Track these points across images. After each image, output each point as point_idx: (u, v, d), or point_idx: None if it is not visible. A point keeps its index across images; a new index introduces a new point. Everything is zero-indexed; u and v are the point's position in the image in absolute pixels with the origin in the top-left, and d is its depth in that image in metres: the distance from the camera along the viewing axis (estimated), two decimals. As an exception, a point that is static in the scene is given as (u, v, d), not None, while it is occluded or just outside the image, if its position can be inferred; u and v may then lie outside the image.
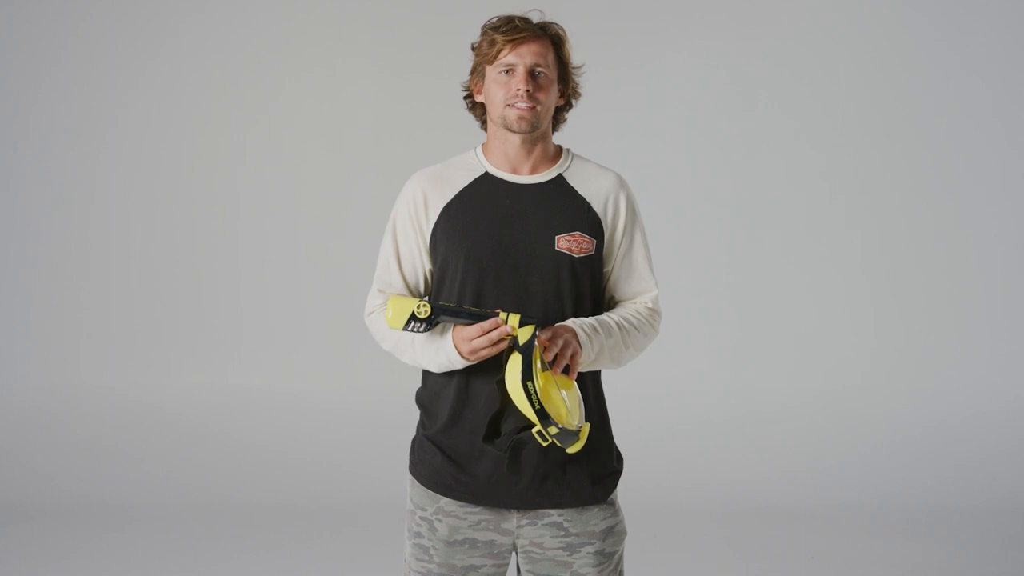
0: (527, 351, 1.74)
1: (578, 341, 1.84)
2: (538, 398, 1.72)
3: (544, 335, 1.80)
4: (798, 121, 5.13)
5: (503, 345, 1.78)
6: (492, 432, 1.82)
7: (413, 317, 1.80)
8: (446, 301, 1.87)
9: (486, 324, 1.78)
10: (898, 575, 3.76)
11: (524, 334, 1.76)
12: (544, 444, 1.76)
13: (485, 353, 1.80)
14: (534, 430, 1.75)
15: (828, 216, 5.16)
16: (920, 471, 4.66)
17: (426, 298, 1.87)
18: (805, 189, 5.15)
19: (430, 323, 1.81)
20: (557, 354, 1.80)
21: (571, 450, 1.78)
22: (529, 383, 1.73)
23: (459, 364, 1.86)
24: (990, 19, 5.08)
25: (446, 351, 1.86)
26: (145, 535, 4.05)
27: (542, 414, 1.72)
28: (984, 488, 4.54)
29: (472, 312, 1.81)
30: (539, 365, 1.76)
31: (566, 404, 1.77)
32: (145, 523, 4.17)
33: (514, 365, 1.75)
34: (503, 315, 1.78)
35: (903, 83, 5.12)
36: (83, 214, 5.13)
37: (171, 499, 4.40)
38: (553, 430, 1.73)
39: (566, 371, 1.82)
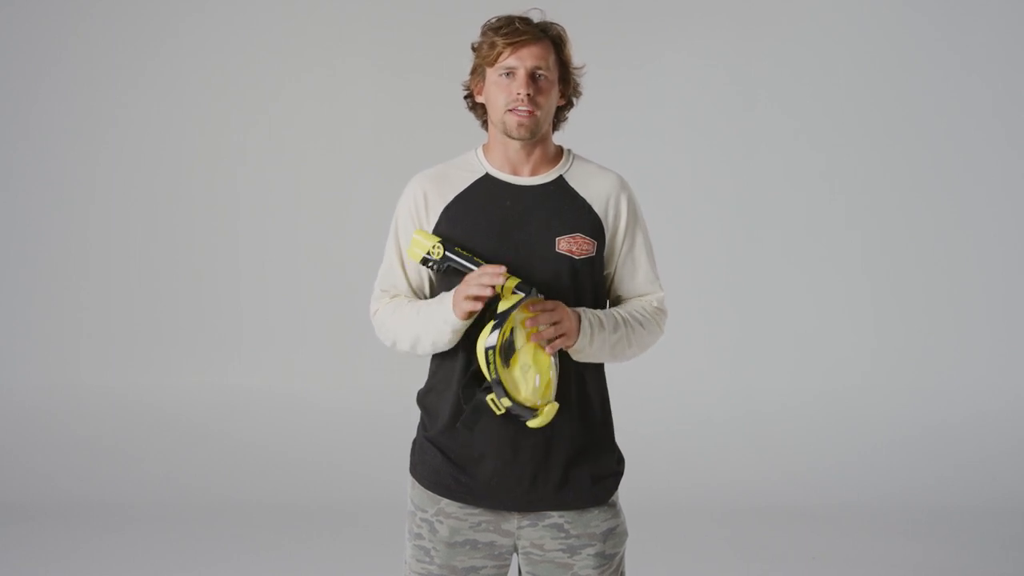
0: (501, 319, 1.75)
1: (578, 327, 1.84)
2: (496, 367, 1.74)
3: (539, 306, 1.80)
4: (798, 121, 5.13)
5: (489, 293, 1.78)
6: (472, 383, 1.85)
7: (428, 255, 1.88)
8: (464, 249, 1.88)
9: (488, 267, 1.78)
10: (898, 575, 3.76)
11: (507, 302, 1.77)
12: (498, 413, 1.78)
13: (475, 292, 1.78)
14: (488, 397, 1.77)
15: (828, 216, 5.16)
16: (920, 471, 4.66)
17: (445, 243, 1.89)
18: (805, 189, 5.15)
19: (441, 264, 1.88)
20: (545, 327, 1.80)
21: (532, 424, 1.80)
22: (490, 351, 1.74)
23: (451, 321, 1.84)
24: (990, 19, 5.08)
25: (445, 305, 1.85)
26: (145, 535, 4.05)
27: (496, 384, 1.74)
28: (984, 488, 4.55)
29: (478, 264, 1.84)
30: (512, 335, 1.78)
31: (524, 382, 1.77)
32: (145, 523, 4.17)
33: (487, 328, 1.77)
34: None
35: (903, 83, 5.12)
36: (83, 214, 5.13)
37: (171, 499, 4.40)
38: (505, 402, 1.76)
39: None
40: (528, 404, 1.77)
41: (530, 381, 1.77)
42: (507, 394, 1.75)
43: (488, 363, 1.75)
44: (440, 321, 1.86)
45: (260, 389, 5.03)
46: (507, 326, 1.76)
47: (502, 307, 1.77)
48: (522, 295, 1.77)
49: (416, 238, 1.90)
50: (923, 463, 4.71)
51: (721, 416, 4.95)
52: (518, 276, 1.82)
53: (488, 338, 1.75)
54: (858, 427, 4.89)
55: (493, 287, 1.78)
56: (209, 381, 5.04)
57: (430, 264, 1.88)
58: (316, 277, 5.11)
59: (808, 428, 4.89)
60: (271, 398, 5.00)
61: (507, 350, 1.78)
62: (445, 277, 1.91)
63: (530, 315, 1.79)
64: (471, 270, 1.83)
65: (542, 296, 1.82)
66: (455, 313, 1.83)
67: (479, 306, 1.79)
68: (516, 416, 1.79)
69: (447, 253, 1.86)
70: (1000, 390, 5.02)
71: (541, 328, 1.79)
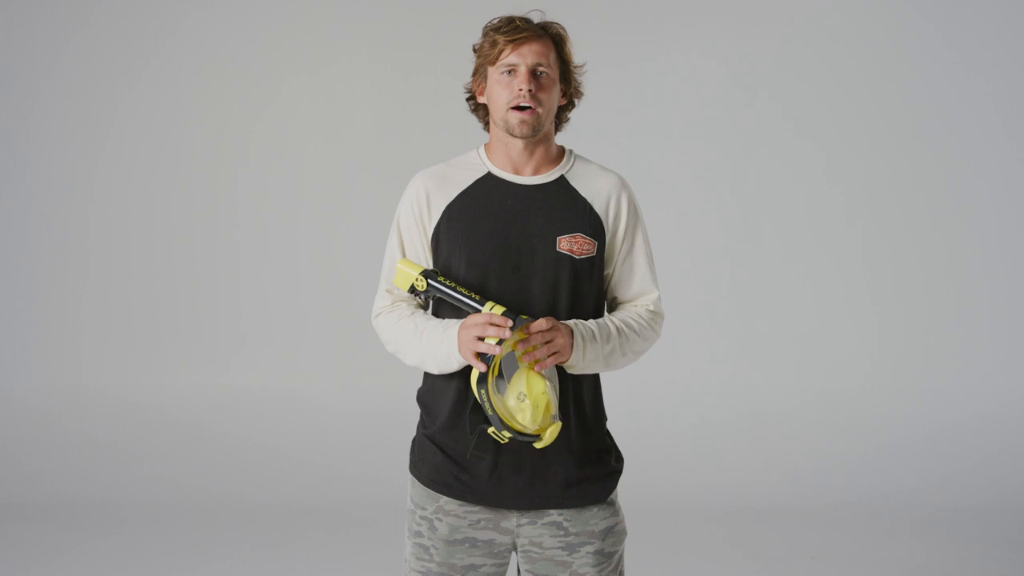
0: (488, 359, 1.78)
1: (571, 343, 1.85)
2: (490, 403, 1.76)
3: (532, 327, 1.80)
4: (799, 121, 5.14)
5: (497, 352, 1.79)
6: (477, 412, 1.87)
7: (414, 286, 1.90)
8: (447, 279, 1.90)
9: (496, 319, 1.79)
10: (898, 575, 3.77)
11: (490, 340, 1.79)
12: (503, 443, 1.81)
13: (483, 350, 1.79)
14: (490, 429, 1.79)
15: (829, 216, 5.16)
16: (920, 471, 4.66)
17: (430, 269, 1.91)
18: (806, 189, 5.15)
19: (427, 294, 1.91)
20: (539, 345, 1.81)
21: (537, 446, 1.81)
22: (482, 391, 1.77)
23: (455, 359, 1.87)
24: (990, 18, 5.09)
25: (448, 343, 1.87)
26: (145, 535, 4.05)
27: (494, 418, 1.77)
28: (984, 488, 4.55)
29: (463, 294, 1.85)
30: (502, 366, 1.80)
31: (520, 411, 1.78)
32: (145, 523, 4.17)
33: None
34: (488, 304, 1.82)
35: (904, 83, 5.13)
36: (83, 214, 5.13)
37: (171, 499, 4.40)
38: (506, 434, 1.78)
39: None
40: (528, 431, 1.79)
41: (526, 409, 1.78)
42: (505, 426, 1.77)
43: (482, 400, 1.78)
44: (444, 355, 1.88)
45: (260, 389, 5.03)
46: (495, 362, 1.78)
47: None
48: (509, 322, 1.79)
49: (401, 268, 1.92)
50: (923, 463, 4.71)
51: (721, 416, 4.95)
52: (511, 276, 1.85)
53: (477, 377, 1.78)
54: (858, 427, 4.89)
55: (499, 342, 1.79)
56: (209, 381, 5.04)
57: (418, 294, 1.91)
58: (316, 277, 5.12)
59: (808, 428, 4.89)
60: (271, 398, 5.00)
61: (501, 378, 1.81)
62: (437, 303, 1.96)
63: (522, 336, 1.80)
64: (458, 300, 1.85)
65: (529, 319, 1.82)
66: (461, 354, 1.84)
67: (483, 367, 1.79)
68: (522, 442, 1.81)
69: (431, 283, 1.88)
70: (1000, 390, 5.02)
71: (535, 350, 1.81)
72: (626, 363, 1.98)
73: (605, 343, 1.91)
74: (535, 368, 1.81)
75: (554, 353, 1.82)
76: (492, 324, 1.78)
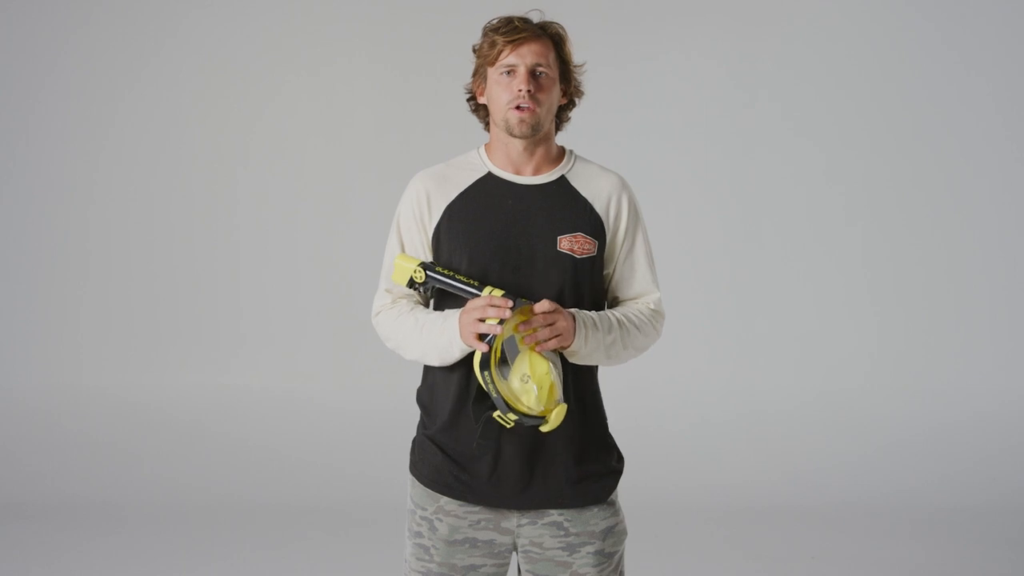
0: (491, 338, 1.77)
1: (573, 327, 1.84)
2: (494, 385, 1.75)
3: (535, 307, 1.80)
4: (799, 121, 5.14)
5: (499, 331, 1.78)
6: (481, 400, 1.86)
7: (413, 279, 1.91)
8: (446, 269, 1.91)
9: (496, 300, 1.79)
10: (898, 575, 3.76)
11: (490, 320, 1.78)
12: (509, 427, 1.80)
13: (484, 330, 1.78)
14: (495, 413, 1.78)
15: (829, 216, 5.16)
16: (920, 471, 4.66)
17: (427, 261, 1.93)
18: (806, 189, 5.15)
19: (426, 286, 1.91)
20: (541, 328, 1.81)
21: (543, 430, 1.80)
22: (485, 372, 1.76)
23: (457, 345, 1.86)
24: (990, 17, 5.09)
25: (449, 330, 1.86)
26: (145, 535, 4.05)
27: (499, 400, 1.76)
28: (984, 488, 4.55)
29: (462, 282, 1.86)
30: (504, 348, 1.79)
31: (524, 392, 1.77)
32: (145, 523, 4.17)
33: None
34: (488, 289, 1.82)
35: (904, 83, 5.13)
36: (83, 214, 5.13)
37: (171, 499, 4.40)
38: (512, 416, 1.77)
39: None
40: (533, 413, 1.78)
41: (530, 390, 1.77)
42: (511, 408, 1.76)
43: (486, 383, 1.77)
44: (445, 343, 1.87)
45: (260, 389, 5.03)
46: (497, 343, 1.78)
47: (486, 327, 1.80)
48: (509, 303, 1.78)
49: (398, 263, 1.93)
50: (923, 463, 4.71)
51: (721, 416, 4.95)
52: (511, 276, 1.85)
53: (480, 360, 1.78)
54: (859, 427, 4.89)
55: (500, 322, 1.78)
56: (209, 381, 5.04)
57: (416, 287, 1.91)
58: (316, 277, 5.12)
59: (808, 428, 4.89)
60: (271, 398, 5.00)
61: (504, 361, 1.80)
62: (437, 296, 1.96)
63: (524, 318, 1.79)
64: (458, 287, 1.86)
65: (528, 301, 1.82)
66: (462, 339, 1.84)
67: (485, 347, 1.79)
68: (529, 426, 1.80)
69: (429, 274, 1.89)
70: (1000, 390, 5.02)
71: (537, 331, 1.80)
72: (627, 357, 1.97)
73: (607, 333, 1.90)
74: (537, 349, 1.80)
75: (557, 335, 1.82)
76: (492, 306, 1.79)
